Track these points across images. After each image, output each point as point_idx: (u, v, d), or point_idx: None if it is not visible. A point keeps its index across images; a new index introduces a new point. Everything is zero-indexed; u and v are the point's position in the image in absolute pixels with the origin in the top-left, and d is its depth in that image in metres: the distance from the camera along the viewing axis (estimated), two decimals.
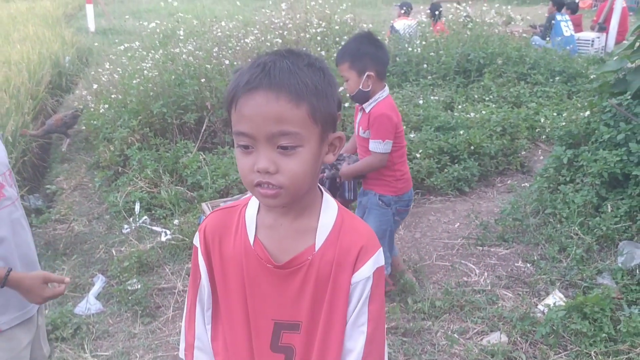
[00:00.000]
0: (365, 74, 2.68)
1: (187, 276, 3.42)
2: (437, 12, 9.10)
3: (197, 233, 1.24)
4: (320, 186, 1.20)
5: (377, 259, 1.16)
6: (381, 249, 1.18)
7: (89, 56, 9.23)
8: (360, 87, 2.70)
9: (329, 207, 1.18)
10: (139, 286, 3.21)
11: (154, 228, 3.93)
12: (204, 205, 3.29)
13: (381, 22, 11.20)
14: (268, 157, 1.03)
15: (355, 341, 1.16)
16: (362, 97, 2.76)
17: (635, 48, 4.13)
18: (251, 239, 1.17)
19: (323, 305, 1.15)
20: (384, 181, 2.90)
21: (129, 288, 3.21)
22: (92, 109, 5.70)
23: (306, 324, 1.17)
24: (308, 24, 7.28)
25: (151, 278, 3.39)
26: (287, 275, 1.15)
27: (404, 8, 9.46)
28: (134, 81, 5.32)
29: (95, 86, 6.07)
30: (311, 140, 1.05)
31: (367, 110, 2.77)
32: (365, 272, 1.14)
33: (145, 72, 5.44)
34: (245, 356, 1.22)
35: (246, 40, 6.37)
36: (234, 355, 1.24)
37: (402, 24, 8.81)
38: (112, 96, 5.48)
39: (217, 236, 1.21)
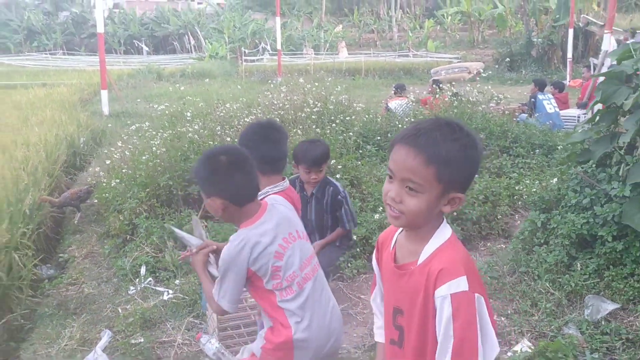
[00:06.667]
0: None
1: (186, 330, 3.70)
2: (437, 86, 9.79)
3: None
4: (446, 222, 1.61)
5: (456, 284, 1.46)
6: (463, 277, 1.46)
7: (102, 137, 9.80)
8: None
9: (439, 237, 1.56)
10: (142, 340, 3.50)
11: (158, 288, 4.25)
12: None
13: (375, 102, 11.87)
14: (397, 192, 1.51)
15: (445, 352, 1.46)
16: None
17: (595, 121, 4.59)
18: (391, 247, 1.68)
19: (417, 305, 1.54)
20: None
21: (133, 342, 3.50)
22: (104, 184, 6.15)
23: (407, 311, 1.58)
24: (305, 104, 7.87)
25: (154, 333, 3.68)
26: (400, 275, 1.61)
27: (397, 89, 10.28)
28: (144, 157, 5.80)
29: (108, 162, 6.56)
30: (431, 192, 1.48)
31: None
32: (442, 291, 1.47)
33: (154, 149, 5.92)
34: (388, 329, 1.71)
35: (247, 120, 6.92)
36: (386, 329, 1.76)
37: (395, 104, 9.50)
38: (123, 171, 5.94)
39: (381, 243, 1.76)
